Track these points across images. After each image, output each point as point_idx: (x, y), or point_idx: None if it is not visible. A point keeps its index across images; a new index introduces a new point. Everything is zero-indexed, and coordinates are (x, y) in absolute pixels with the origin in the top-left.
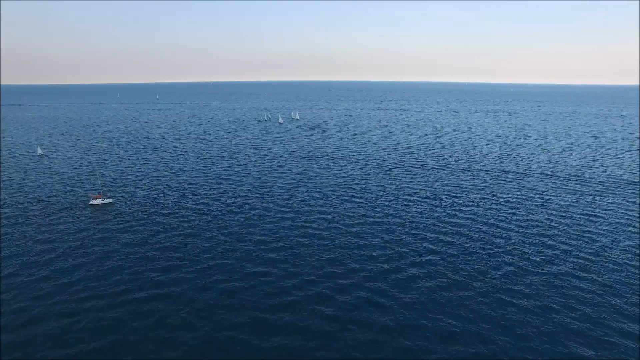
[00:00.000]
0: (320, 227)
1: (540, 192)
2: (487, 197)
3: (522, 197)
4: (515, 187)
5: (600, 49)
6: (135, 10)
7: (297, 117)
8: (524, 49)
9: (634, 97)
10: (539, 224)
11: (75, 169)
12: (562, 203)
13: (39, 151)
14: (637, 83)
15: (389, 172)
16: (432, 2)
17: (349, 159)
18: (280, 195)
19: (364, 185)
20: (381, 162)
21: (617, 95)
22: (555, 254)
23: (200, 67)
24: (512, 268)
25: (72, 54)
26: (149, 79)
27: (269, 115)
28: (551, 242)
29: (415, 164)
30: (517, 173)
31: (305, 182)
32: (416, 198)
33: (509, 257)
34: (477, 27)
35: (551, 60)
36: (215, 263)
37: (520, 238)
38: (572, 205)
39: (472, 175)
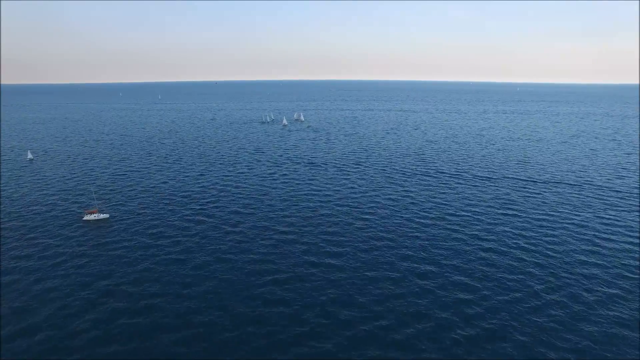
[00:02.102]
0: (325, 253)
1: (572, 207)
2: (509, 211)
3: (553, 213)
4: (541, 200)
5: (601, 48)
6: (138, 9)
7: (302, 118)
8: (527, 49)
9: (635, 96)
10: (581, 247)
11: (67, 177)
12: (599, 218)
13: (30, 155)
14: (637, 82)
15: (400, 182)
16: (437, 1)
17: (356, 167)
18: (281, 210)
19: (373, 199)
20: (392, 170)
21: (627, 95)
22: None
23: (203, 67)
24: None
25: (74, 53)
26: (153, 78)
27: (272, 117)
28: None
29: (427, 172)
30: (542, 182)
31: (309, 194)
32: (431, 214)
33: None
34: (480, 26)
35: (552, 59)
36: (210, 291)
37: (559, 268)
38: (616, 223)
39: (492, 186)
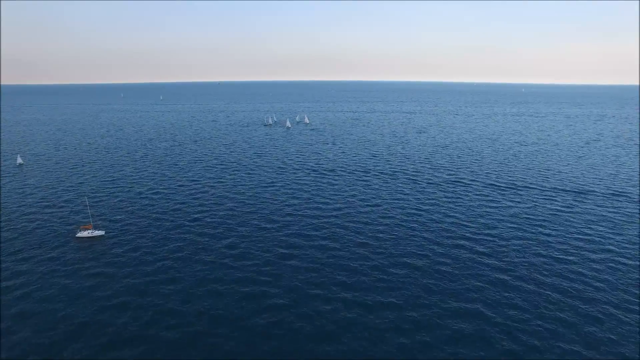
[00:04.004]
0: (332, 278)
1: (613, 223)
2: (535, 226)
3: (592, 229)
4: (573, 213)
5: (602, 49)
6: (140, 9)
7: (307, 120)
8: (529, 49)
9: (635, 96)
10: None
11: (59, 185)
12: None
13: (19, 160)
14: (637, 83)
15: (412, 193)
16: (438, 1)
17: (364, 174)
18: (283, 224)
19: (384, 212)
20: (402, 178)
21: (630, 96)
22: None
23: (207, 67)
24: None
25: (76, 54)
26: (155, 78)
27: (275, 119)
28: None
29: (441, 180)
30: (571, 192)
31: (313, 206)
32: (450, 234)
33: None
34: (482, 27)
35: (553, 60)
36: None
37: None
38: None
39: (514, 197)
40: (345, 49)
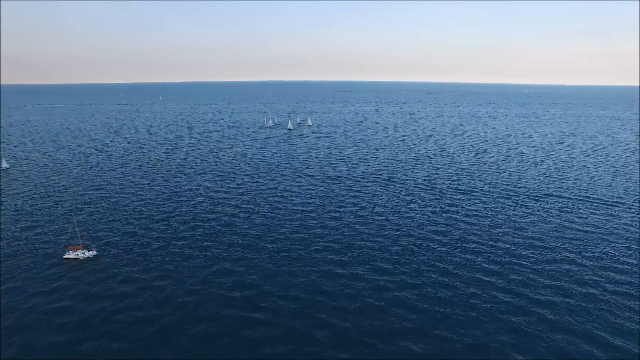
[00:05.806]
0: (338, 308)
1: None
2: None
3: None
4: (608, 225)
5: (604, 49)
6: (141, 9)
7: (309, 122)
8: (530, 49)
9: (636, 97)
10: None
11: (45, 195)
12: None
13: (4, 164)
14: (637, 84)
15: (423, 203)
16: (439, 1)
17: (370, 181)
18: (285, 238)
19: (393, 224)
20: (411, 186)
21: (633, 96)
22: None
23: (207, 67)
24: None
25: (76, 53)
26: (156, 78)
27: (275, 120)
28: None
29: (452, 188)
30: (604, 203)
31: (317, 220)
32: (470, 248)
33: None
34: (483, 27)
35: (555, 61)
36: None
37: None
38: None
39: (540, 206)
40: (346, 48)
